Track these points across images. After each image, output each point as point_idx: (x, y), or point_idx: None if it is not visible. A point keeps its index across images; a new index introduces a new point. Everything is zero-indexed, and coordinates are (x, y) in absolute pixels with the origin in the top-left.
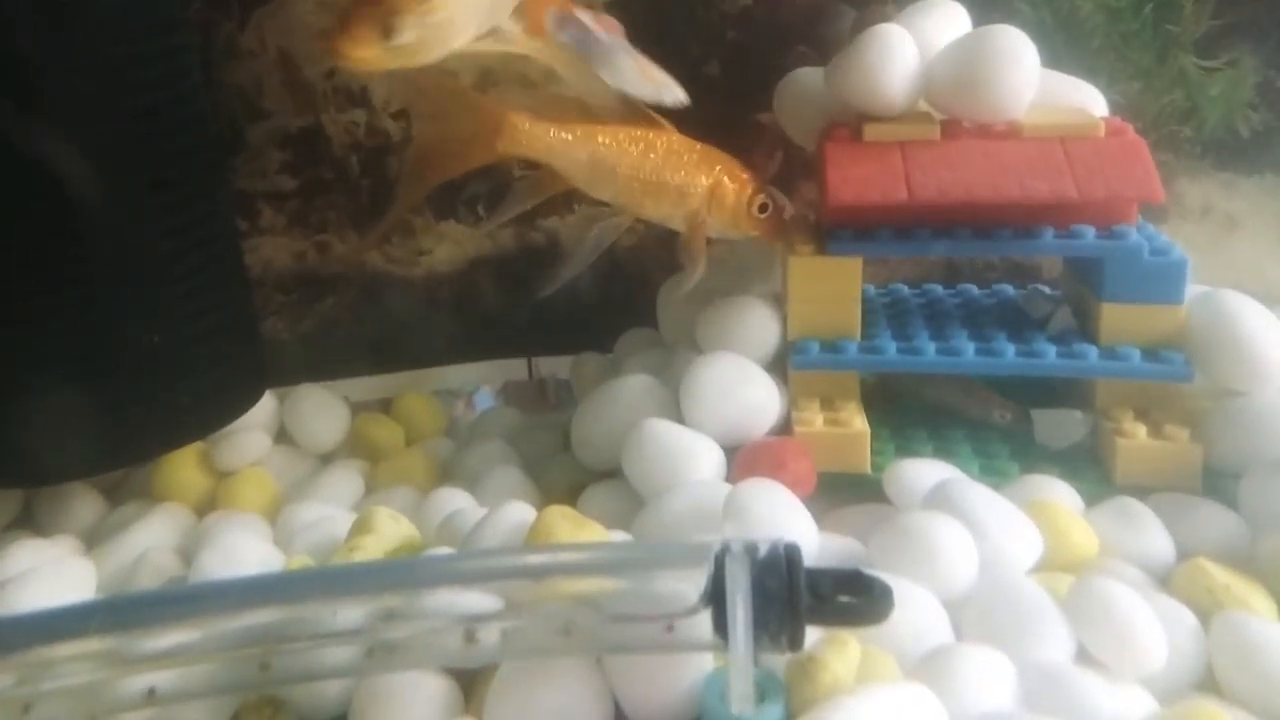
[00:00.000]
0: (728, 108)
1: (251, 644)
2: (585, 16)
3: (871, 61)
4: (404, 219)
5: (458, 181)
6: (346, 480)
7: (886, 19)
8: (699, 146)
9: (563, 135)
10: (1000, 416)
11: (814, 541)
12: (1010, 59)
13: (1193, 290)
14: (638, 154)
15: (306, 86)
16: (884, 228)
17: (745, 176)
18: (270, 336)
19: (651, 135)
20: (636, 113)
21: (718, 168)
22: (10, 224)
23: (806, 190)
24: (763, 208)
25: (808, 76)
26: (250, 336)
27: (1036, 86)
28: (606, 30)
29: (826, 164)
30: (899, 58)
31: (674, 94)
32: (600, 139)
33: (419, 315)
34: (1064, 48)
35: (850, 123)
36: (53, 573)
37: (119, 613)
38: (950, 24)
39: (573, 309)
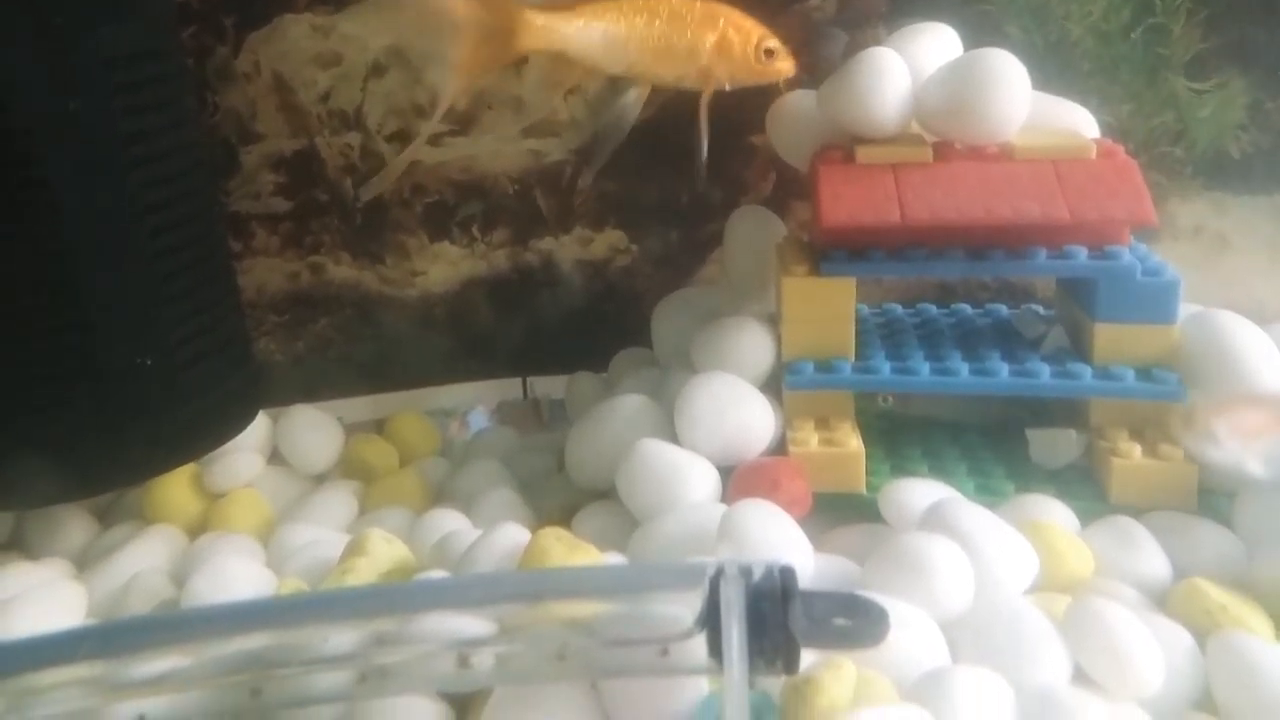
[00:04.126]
0: (721, 130)
1: (243, 669)
2: None
3: (863, 84)
4: (398, 240)
5: (451, 202)
6: (340, 501)
7: (878, 42)
8: (699, 5)
9: (576, 23)
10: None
11: (809, 563)
12: (1001, 82)
13: (1186, 310)
14: (645, 23)
15: (300, 109)
16: (877, 248)
17: (749, 25)
18: (263, 358)
19: (652, 3)
20: None
21: (721, 21)
22: (2, 249)
23: (800, 211)
24: (769, 52)
25: (800, 99)
26: (243, 358)
27: (1028, 109)
28: None
29: (819, 186)
30: (891, 81)
31: None
32: (609, 17)
33: (413, 335)
34: (1055, 70)
35: (843, 145)
36: (43, 596)
37: (109, 638)
38: (941, 47)
39: (567, 329)
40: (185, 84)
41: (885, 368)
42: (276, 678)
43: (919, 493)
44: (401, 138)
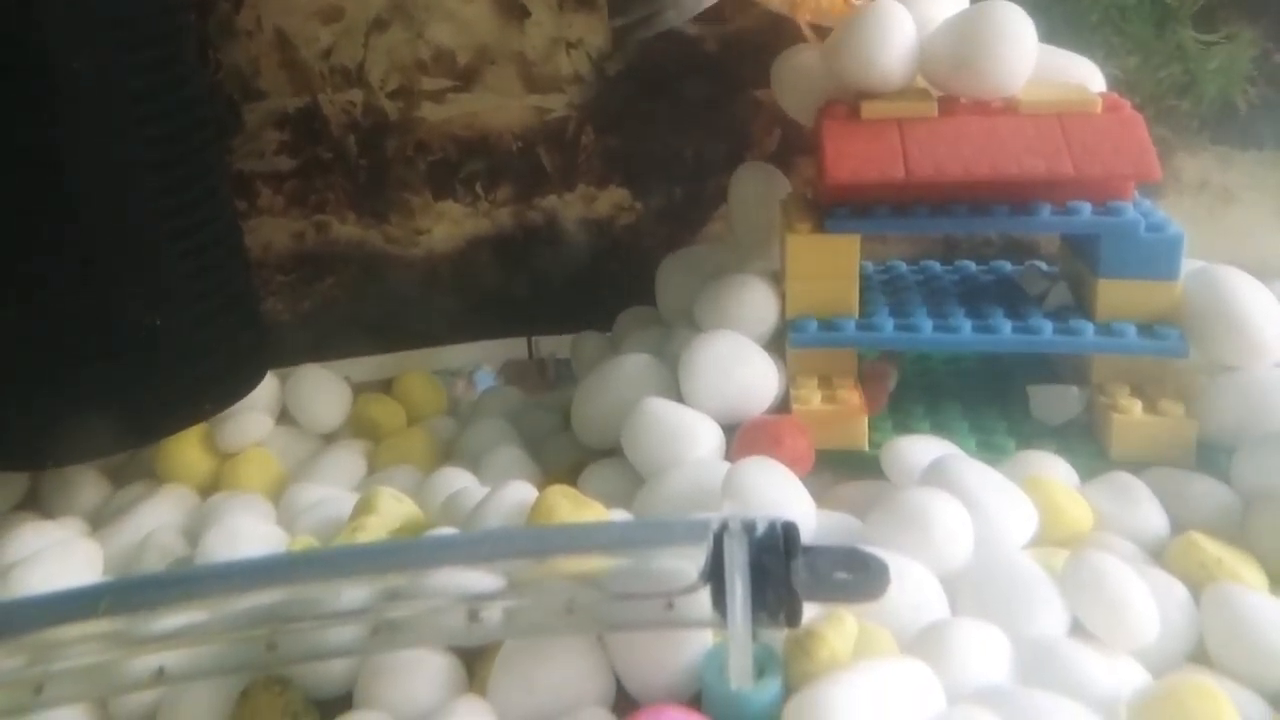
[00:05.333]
0: (726, 85)
1: (258, 624)
2: None
3: (869, 38)
4: (402, 199)
5: (454, 159)
6: (349, 460)
7: None
8: None
9: None
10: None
11: (812, 518)
12: (1008, 35)
13: (1189, 265)
14: None
15: (303, 66)
16: (881, 205)
17: None
18: (270, 317)
19: None
20: None
21: None
22: (11, 207)
23: (804, 168)
24: None
25: (805, 53)
26: (251, 318)
27: (1034, 62)
28: None
29: (824, 141)
30: (896, 34)
31: None
32: None
33: (418, 295)
34: (1061, 23)
35: (848, 100)
36: (59, 554)
37: (127, 594)
38: None
39: (571, 287)
40: (189, 41)
41: (889, 325)
42: (291, 632)
43: (920, 449)
44: (404, 94)
